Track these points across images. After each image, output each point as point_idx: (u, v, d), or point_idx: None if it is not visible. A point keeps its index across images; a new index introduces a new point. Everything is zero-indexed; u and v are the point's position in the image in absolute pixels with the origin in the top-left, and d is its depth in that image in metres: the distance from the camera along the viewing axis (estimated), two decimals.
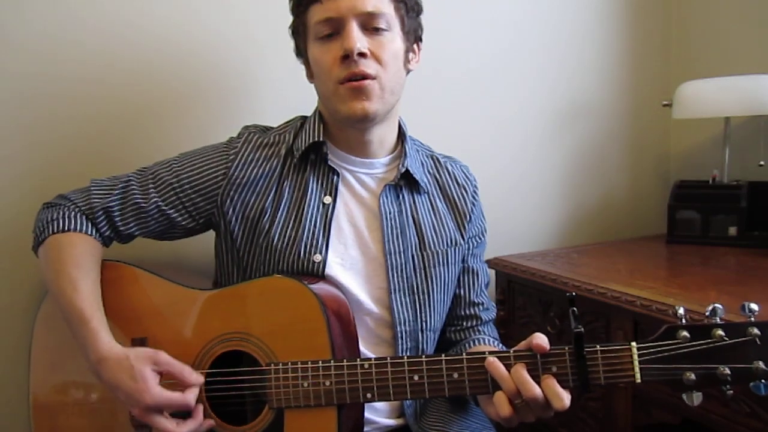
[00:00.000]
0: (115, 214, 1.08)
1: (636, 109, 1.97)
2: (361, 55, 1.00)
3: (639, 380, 0.83)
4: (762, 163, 1.65)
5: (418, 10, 1.11)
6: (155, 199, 1.09)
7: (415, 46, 1.12)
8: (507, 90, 1.76)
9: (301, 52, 1.12)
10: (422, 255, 1.12)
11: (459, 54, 1.67)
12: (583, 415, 1.41)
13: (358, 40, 0.99)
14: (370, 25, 1.01)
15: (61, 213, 1.06)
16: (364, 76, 1.00)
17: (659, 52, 1.99)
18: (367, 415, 1.05)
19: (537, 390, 0.84)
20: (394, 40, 1.04)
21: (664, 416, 1.23)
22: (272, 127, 1.18)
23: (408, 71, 1.11)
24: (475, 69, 1.70)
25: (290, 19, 1.12)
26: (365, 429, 1.05)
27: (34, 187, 1.22)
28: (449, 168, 1.22)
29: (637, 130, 1.99)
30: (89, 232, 1.06)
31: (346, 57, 1.00)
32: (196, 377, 0.96)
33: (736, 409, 1.10)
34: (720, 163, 1.74)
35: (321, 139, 1.09)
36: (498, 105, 1.75)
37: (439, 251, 1.14)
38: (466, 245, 1.20)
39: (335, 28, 1.01)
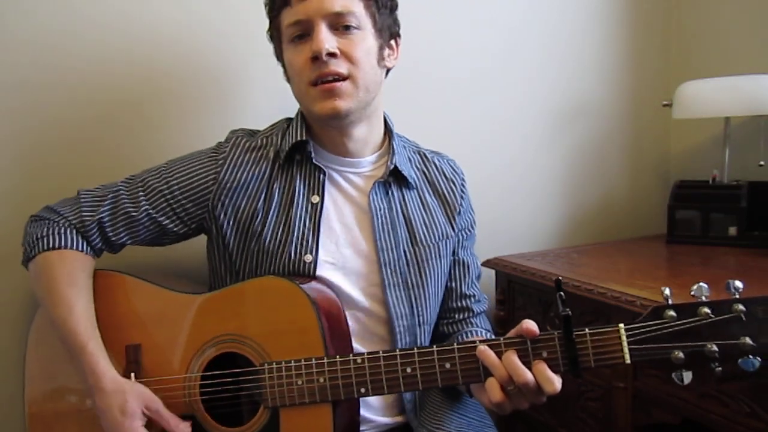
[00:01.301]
0: (107, 225, 1.08)
1: (636, 109, 1.97)
2: (331, 55, 1.00)
3: (628, 361, 0.83)
4: (762, 163, 1.64)
5: (391, 7, 1.11)
6: (146, 207, 1.09)
7: (392, 42, 1.12)
8: (507, 90, 1.77)
9: (278, 55, 1.13)
10: (414, 250, 1.13)
11: (459, 54, 1.68)
12: (583, 415, 1.40)
13: (327, 41, 0.99)
14: (339, 24, 1.02)
15: (50, 229, 1.05)
16: (335, 77, 1.01)
17: (659, 52, 2.00)
18: (364, 413, 1.05)
19: (528, 375, 0.85)
20: (365, 38, 1.04)
21: (664, 416, 1.23)
22: (259, 131, 1.18)
23: (386, 69, 1.11)
24: (475, 69, 1.71)
25: None
26: (362, 428, 1.05)
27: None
28: (437, 162, 1.23)
29: (637, 130, 1.99)
30: (81, 248, 1.06)
31: (316, 58, 1.00)
32: (183, 428, 0.97)
33: (736, 409, 1.09)
34: (720, 163, 1.74)
35: (304, 138, 1.10)
36: (498, 105, 1.76)
37: (431, 245, 1.14)
38: (456, 237, 1.20)
39: (305, 30, 1.02)
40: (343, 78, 1.02)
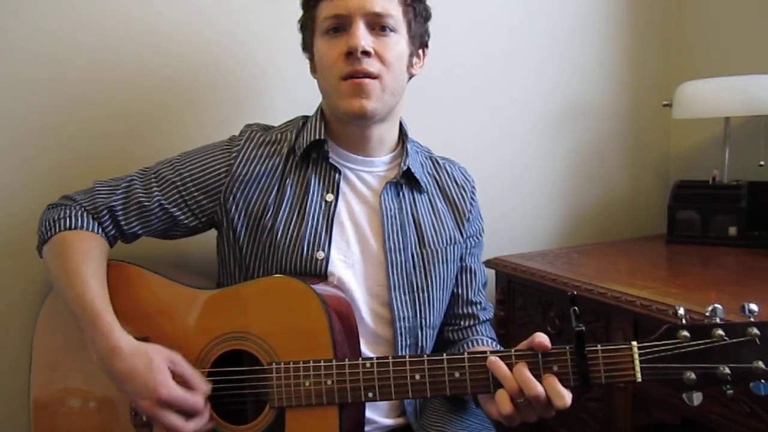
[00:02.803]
0: (119, 213, 1.09)
1: (636, 109, 1.97)
2: (365, 53, 1.01)
3: (640, 379, 0.83)
4: (762, 163, 1.65)
5: (426, 16, 1.13)
6: (158, 198, 1.09)
7: (420, 51, 1.14)
8: (507, 90, 1.77)
9: (307, 46, 1.13)
10: (422, 253, 1.13)
11: (460, 54, 1.67)
12: (583, 415, 1.41)
13: (363, 38, 1.00)
14: (376, 25, 1.03)
15: (66, 212, 1.06)
16: (366, 75, 1.02)
17: (659, 52, 2.00)
18: (368, 414, 1.06)
19: (539, 388, 0.85)
20: (399, 42, 1.06)
21: (664, 416, 1.23)
22: (274, 126, 1.19)
23: (411, 75, 1.12)
24: (476, 69, 1.71)
25: (295, 15, 1.14)
26: (366, 429, 1.05)
27: (38, 187, 1.23)
28: (448, 169, 1.23)
29: (637, 130, 1.99)
30: (95, 230, 1.07)
31: (350, 54, 1.01)
32: (207, 385, 0.96)
33: (736, 409, 1.10)
34: (720, 163, 1.74)
35: (322, 137, 1.10)
36: (498, 105, 1.76)
37: (439, 249, 1.15)
38: (465, 244, 1.21)
39: (342, 25, 1.03)
40: (373, 77, 1.02)
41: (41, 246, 1.08)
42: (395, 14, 1.04)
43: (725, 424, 1.12)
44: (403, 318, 1.10)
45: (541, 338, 0.88)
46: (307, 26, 1.12)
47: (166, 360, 0.93)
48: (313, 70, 1.13)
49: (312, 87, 1.14)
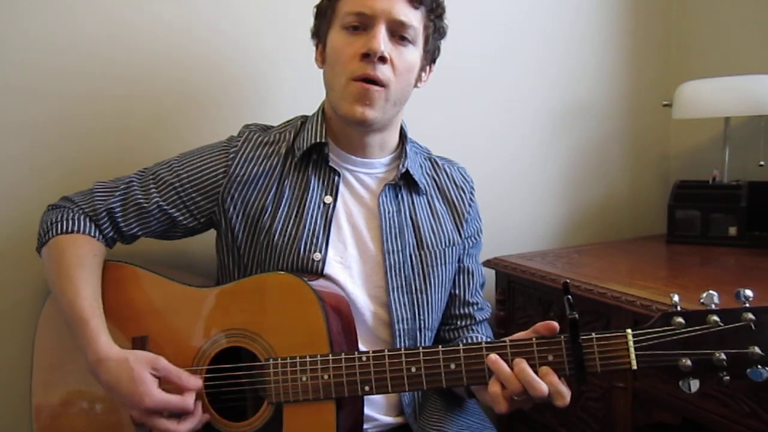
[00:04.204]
0: (118, 214, 1.09)
1: (636, 109, 1.98)
2: (382, 59, 1.01)
3: (635, 367, 0.83)
4: (762, 163, 1.65)
5: (442, 34, 1.14)
6: (156, 199, 1.10)
7: (428, 66, 1.14)
8: (507, 90, 1.77)
9: (320, 34, 1.12)
10: (420, 254, 1.13)
11: (459, 53, 1.67)
12: (583, 415, 1.40)
13: (383, 43, 1.00)
14: (397, 32, 1.03)
15: (65, 215, 1.06)
16: (376, 81, 1.01)
17: (659, 52, 2.00)
18: (367, 411, 1.05)
19: (543, 388, 0.84)
20: (413, 54, 1.06)
21: (664, 416, 1.23)
22: (272, 126, 1.19)
23: (415, 87, 1.12)
24: (476, 68, 1.71)
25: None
26: (365, 426, 1.05)
27: (38, 188, 1.22)
28: (447, 170, 1.23)
29: (637, 130, 2.00)
30: (93, 234, 1.07)
31: (366, 56, 1.00)
32: (194, 382, 0.96)
33: (736, 409, 1.09)
34: (720, 163, 1.75)
35: (323, 140, 1.10)
36: (498, 105, 1.76)
37: (437, 251, 1.14)
38: (463, 245, 1.20)
39: (363, 25, 1.02)
40: (381, 85, 1.02)
41: (40, 248, 1.08)
42: (417, 26, 1.04)
43: (725, 424, 1.11)
44: (402, 320, 1.10)
45: (548, 323, 0.88)
46: (325, 14, 1.10)
47: (148, 367, 0.94)
48: (320, 60, 1.12)
49: (312, 87, 1.14)
